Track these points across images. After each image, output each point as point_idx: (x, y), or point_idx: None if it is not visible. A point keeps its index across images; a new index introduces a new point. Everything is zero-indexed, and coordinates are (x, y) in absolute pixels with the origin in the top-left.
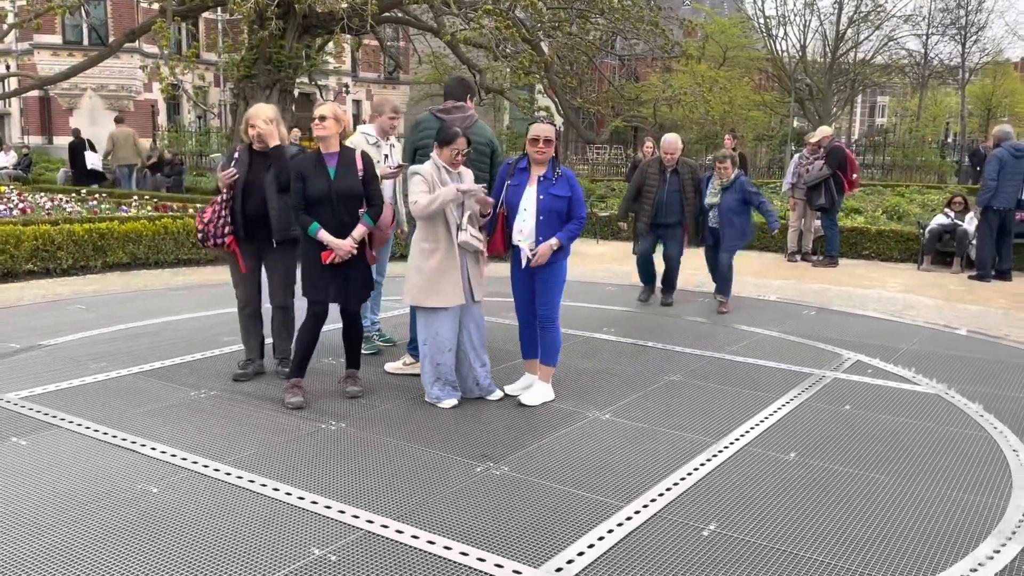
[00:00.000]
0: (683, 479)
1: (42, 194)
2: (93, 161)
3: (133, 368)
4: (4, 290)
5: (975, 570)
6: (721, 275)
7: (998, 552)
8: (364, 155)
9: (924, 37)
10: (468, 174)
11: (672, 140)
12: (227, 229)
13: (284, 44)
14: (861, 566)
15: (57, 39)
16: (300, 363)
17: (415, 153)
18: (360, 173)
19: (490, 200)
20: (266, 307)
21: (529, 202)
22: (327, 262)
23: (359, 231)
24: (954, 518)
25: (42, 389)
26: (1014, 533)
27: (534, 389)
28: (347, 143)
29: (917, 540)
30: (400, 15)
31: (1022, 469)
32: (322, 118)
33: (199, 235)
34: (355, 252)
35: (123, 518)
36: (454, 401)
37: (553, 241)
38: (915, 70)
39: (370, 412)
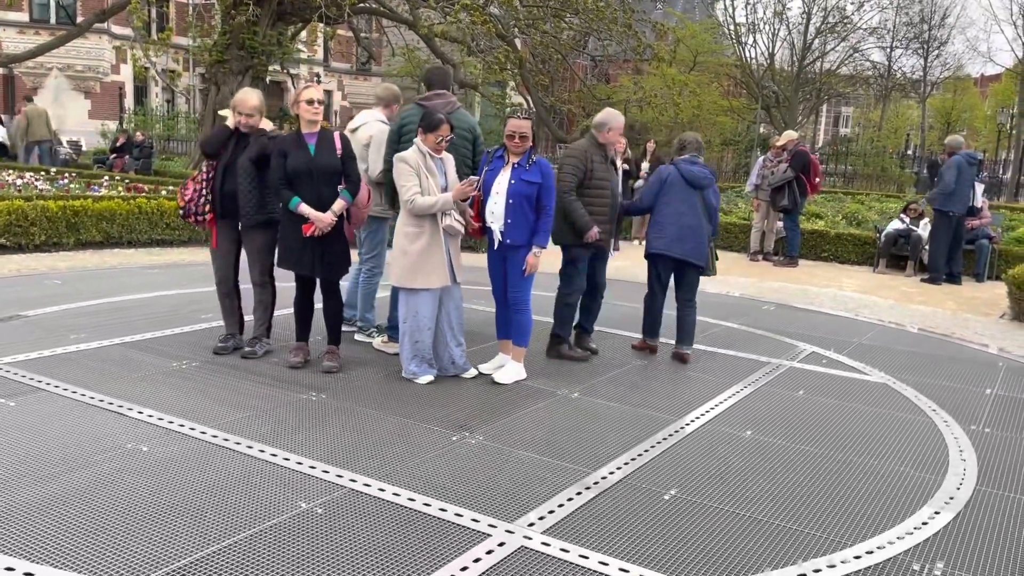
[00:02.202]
0: (647, 451)
1: (9, 171)
2: (1, 136)
3: (114, 339)
4: None
5: (911, 532)
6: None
7: (933, 518)
8: (342, 135)
9: (888, 50)
10: (450, 160)
11: (622, 118)
12: (207, 207)
13: (258, 30)
14: (807, 527)
15: (24, 16)
16: (300, 329)
17: (399, 140)
18: (339, 151)
19: (474, 179)
20: (246, 286)
21: (501, 186)
22: (308, 234)
23: (339, 205)
24: (895, 489)
25: (24, 356)
26: (947, 503)
27: (507, 368)
28: (364, 130)
29: (860, 506)
30: (376, 6)
31: (959, 450)
32: (320, 102)
33: (181, 211)
34: (334, 225)
35: (117, 472)
36: (430, 377)
37: (536, 250)
38: (879, 82)
39: (350, 385)
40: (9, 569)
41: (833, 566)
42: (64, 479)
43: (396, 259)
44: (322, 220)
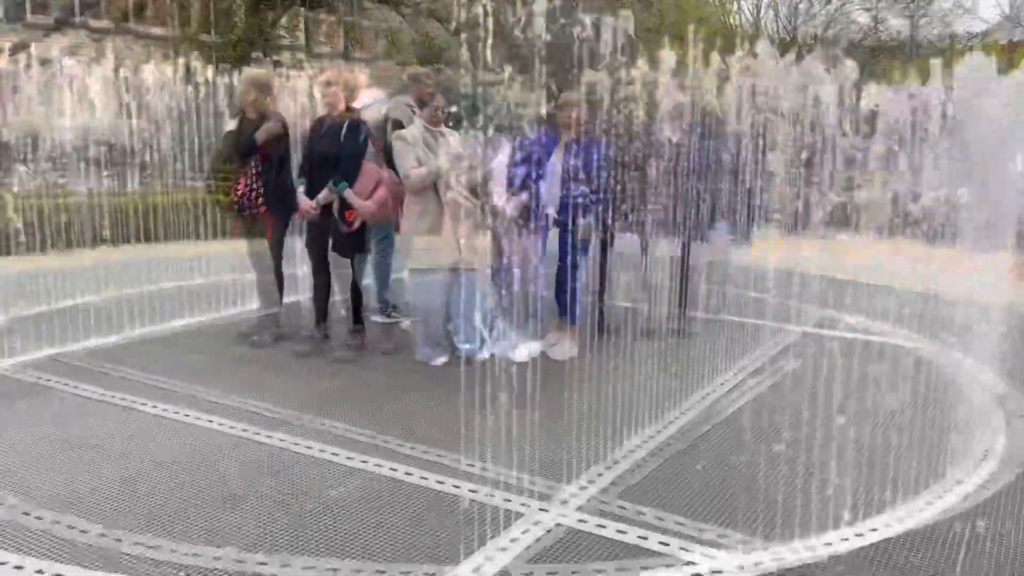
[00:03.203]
0: (696, 418)
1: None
2: None
3: (164, 326)
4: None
5: (975, 490)
6: None
7: (996, 475)
8: (351, 126)
9: (874, 11)
10: (452, 135)
11: None
12: (259, 200)
13: (237, 20)
14: (870, 486)
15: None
16: (352, 314)
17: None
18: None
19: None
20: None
21: (555, 165)
22: (350, 219)
23: (322, 195)
24: (953, 448)
25: (79, 346)
26: (1007, 461)
27: (560, 345)
28: (376, 110)
29: (920, 465)
30: None
31: (1014, 410)
32: (328, 83)
33: (236, 205)
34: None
35: (191, 447)
36: (444, 359)
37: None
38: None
39: (372, 366)
40: (117, 540)
41: (901, 520)
42: (143, 457)
43: (404, 239)
44: (364, 208)
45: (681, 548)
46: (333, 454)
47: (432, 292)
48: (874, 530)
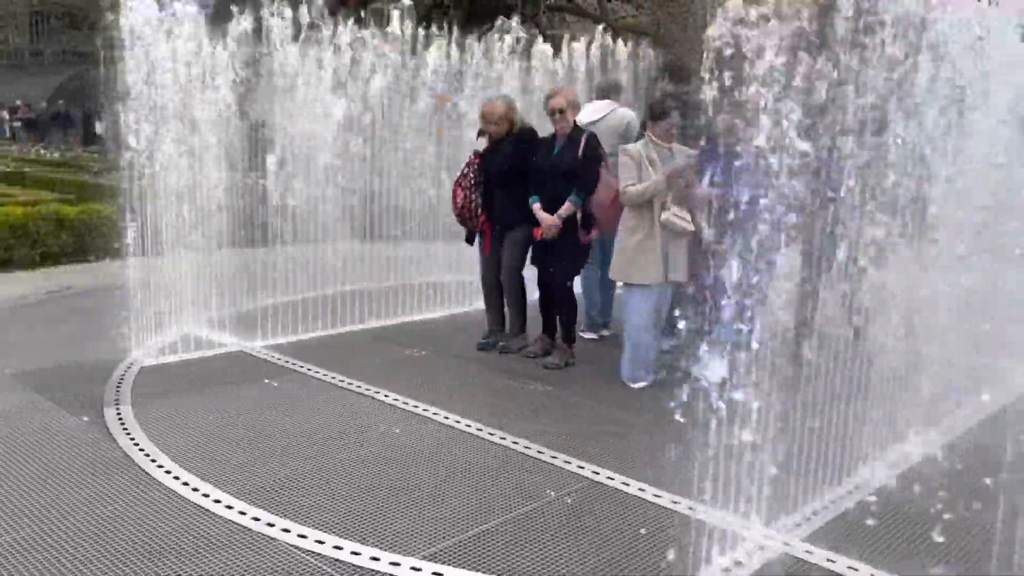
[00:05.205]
0: (899, 461)
1: None
2: None
3: (349, 327)
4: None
5: None
6: None
7: None
8: (591, 137)
9: None
10: (682, 151)
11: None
12: (479, 211)
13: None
14: None
15: None
16: (543, 323)
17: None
18: (581, 153)
19: (681, 166)
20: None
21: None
22: (537, 237)
23: (564, 208)
24: None
25: (280, 340)
26: None
27: (716, 363)
28: (616, 117)
29: None
30: (567, 2)
31: None
32: (561, 111)
33: (457, 218)
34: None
35: (374, 450)
36: (644, 384)
37: None
38: None
39: (576, 379)
40: (302, 536)
41: None
42: (328, 456)
43: (615, 253)
44: (545, 222)
45: None
46: (552, 456)
47: (640, 310)
48: None
